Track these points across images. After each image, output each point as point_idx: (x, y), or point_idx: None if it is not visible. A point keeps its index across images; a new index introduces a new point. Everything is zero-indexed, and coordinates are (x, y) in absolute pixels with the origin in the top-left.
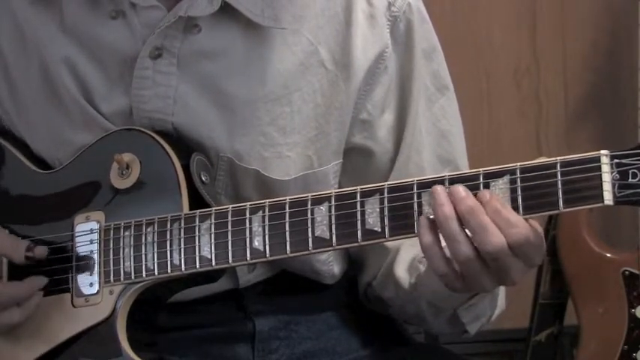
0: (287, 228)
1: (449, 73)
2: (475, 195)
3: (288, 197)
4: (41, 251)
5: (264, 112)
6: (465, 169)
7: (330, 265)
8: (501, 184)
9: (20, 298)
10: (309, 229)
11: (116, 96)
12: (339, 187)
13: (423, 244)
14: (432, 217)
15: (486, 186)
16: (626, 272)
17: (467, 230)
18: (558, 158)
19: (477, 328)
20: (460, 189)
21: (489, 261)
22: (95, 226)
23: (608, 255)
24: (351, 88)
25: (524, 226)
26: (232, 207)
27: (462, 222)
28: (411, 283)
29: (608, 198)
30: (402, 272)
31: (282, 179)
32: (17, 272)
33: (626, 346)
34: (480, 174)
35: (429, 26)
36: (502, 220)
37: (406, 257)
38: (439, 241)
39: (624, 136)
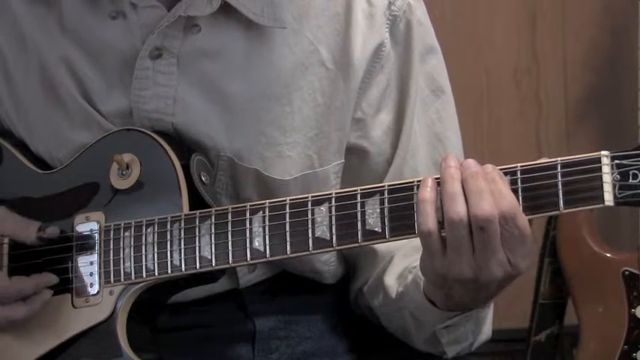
0: (287, 228)
1: (448, 75)
2: None
3: (288, 198)
4: (53, 231)
5: (265, 111)
6: None
7: (331, 265)
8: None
9: (26, 293)
10: (310, 230)
11: (116, 96)
12: (339, 188)
13: (419, 196)
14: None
15: None
16: (626, 272)
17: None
18: (559, 159)
19: (455, 352)
20: (471, 161)
21: (476, 230)
22: (95, 226)
23: (608, 255)
24: (351, 88)
25: (513, 199)
26: (232, 207)
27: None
28: (398, 292)
29: (608, 199)
30: (391, 280)
31: (282, 179)
32: (18, 269)
33: (626, 346)
34: None
35: (429, 27)
36: (496, 190)
37: (398, 267)
38: (435, 201)
39: (624, 136)
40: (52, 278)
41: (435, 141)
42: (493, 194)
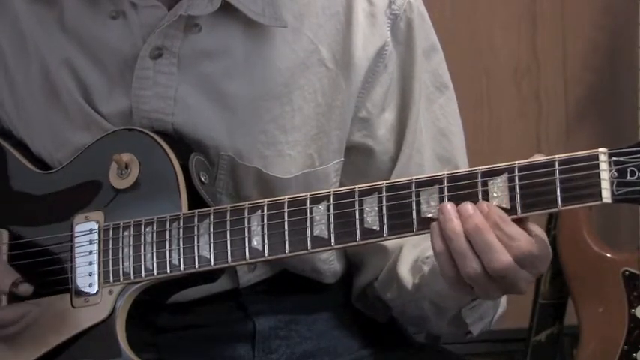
0: (286, 227)
1: (449, 73)
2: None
3: (286, 197)
4: (25, 289)
5: (265, 110)
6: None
7: (331, 263)
8: (499, 183)
9: (8, 322)
10: (308, 229)
11: (116, 96)
12: (341, 187)
13: (435, 249)
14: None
15: (484, 184)
16: (626, 272)
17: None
18: (556, 156)
19: (480, 328)
20: (468, 206)
21: (497, 277)
22: (94, 226)
23: (608, 255)
24: (352, 87)
25: (525, 239)
26: (231, 207)
27: (469, 240)
28: (414, 284)
29: (606, 196)
30: (405, 272)
31: (283, 177)
32: (18, 270)
33: (626, 346)
34: (478, 172)
35: (429, 25)
36: (504, 235)
37: (409, 258)
38: (450, 250)
39: (624, 135)
40: (34, 307)
41: (439, 136)
42: (503, 241)
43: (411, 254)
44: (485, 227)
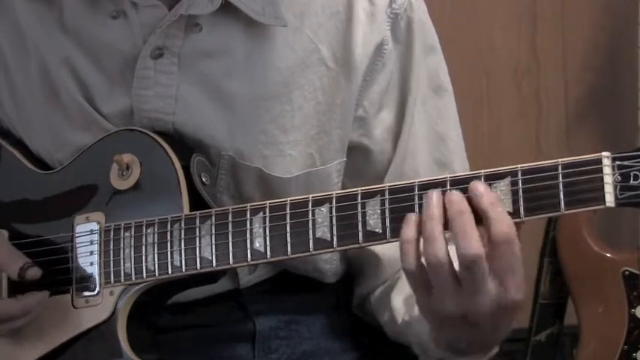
0: (288, 229)
1: (449, 75)
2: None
3: (289, 198)
4: (34, 272)
5: (265, 110)
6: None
7: (333, 263)
8: (502, 186)
9: (14, 316)
10: (310, 231)
11: (117, 96)
12: (343, 188)
13: (401, 237)
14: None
15: None
16: (626, 272)
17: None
18: (559, 160)
19: None
20: (454, 193)
21: (462, 271)
22: (95, 226)
23: (608, 255)
24: (353, 86)
25: (506, 222)
26: (233, 208)
27: (446, 226)
28: (404, 320)
29: (609, 200)
30: (398, 303)
31: (283, 177)
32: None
33: (626, 346)
34: (481, 175)
35: (430, 25)
36: (496, 213)
37: (406, 288)
38: (418, 240)
39: (624, 136)
40: (42, 297)
41: (436, 140)
42: (492, 216)
43: (407, 286)
44: (468, 214)
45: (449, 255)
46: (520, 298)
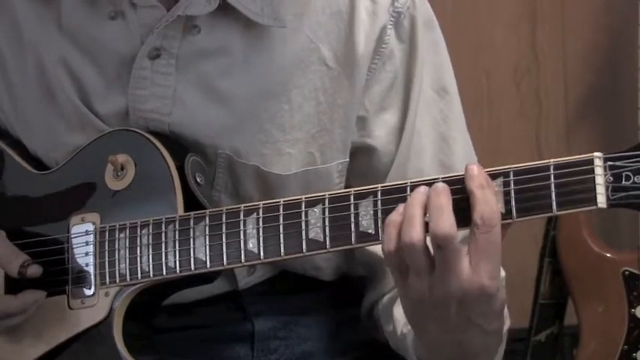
0: (281, 230)
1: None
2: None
3: (282, 199)
4: (34, 270)
5: (262, 109)
6: None
7: (330, 260)
8: (494, 187)
9: (12, 313)
10: (303, 232)
11: (113, 96)
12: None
13: (387, 220)
14: None
15: None
16: (626, 272)
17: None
18: (552, 160)
19: None
20: (440, 183)
21: (435, 250)
22: (90, 227)
23: (608, 255)
24: (355, 86)
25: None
26: (226, 209)
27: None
28: (402, 332)
29: (601, 201)
30: (399, 315)
31: (282, 174)
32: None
33: (626, 346)
34: None
35: (435, 24)
36: (483, 194)
37: None
38: (401, 224)
39: (624, 136)
40: (40, 295)
41: (440, 142)
42: (480, 196)
43: None
44: (446, 196)
45: (425, 238)
46: (490, 286)
